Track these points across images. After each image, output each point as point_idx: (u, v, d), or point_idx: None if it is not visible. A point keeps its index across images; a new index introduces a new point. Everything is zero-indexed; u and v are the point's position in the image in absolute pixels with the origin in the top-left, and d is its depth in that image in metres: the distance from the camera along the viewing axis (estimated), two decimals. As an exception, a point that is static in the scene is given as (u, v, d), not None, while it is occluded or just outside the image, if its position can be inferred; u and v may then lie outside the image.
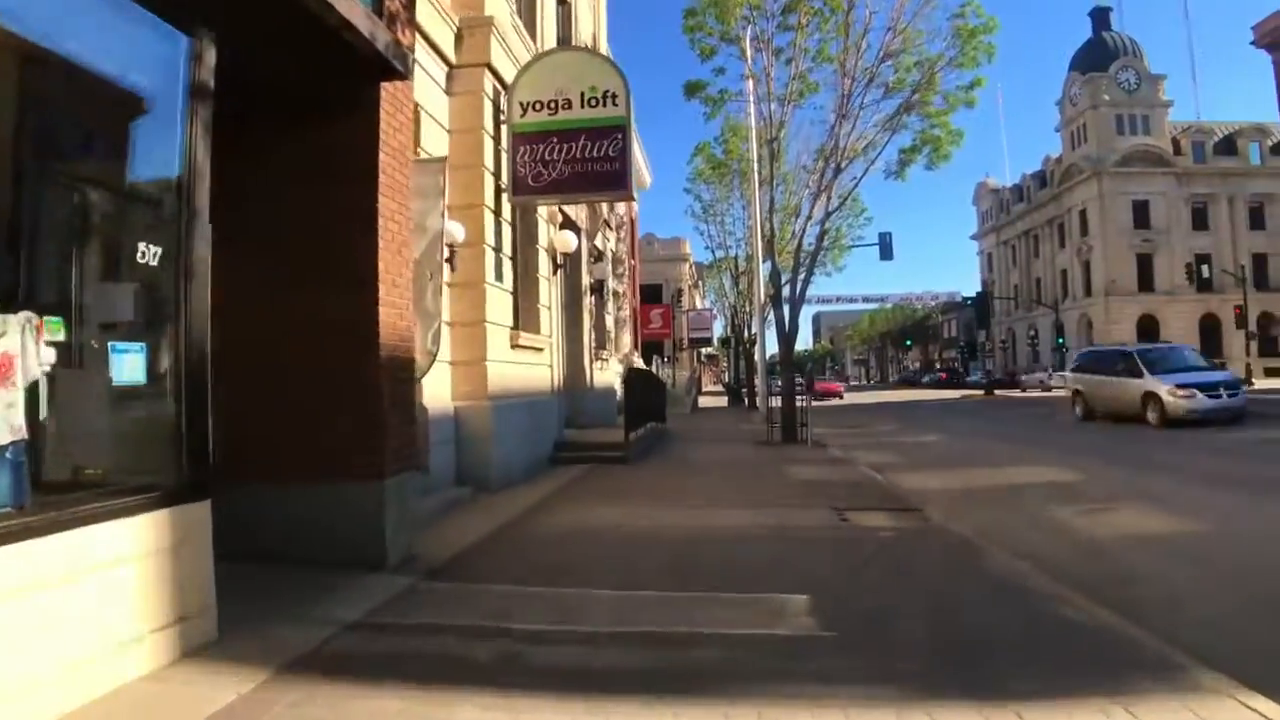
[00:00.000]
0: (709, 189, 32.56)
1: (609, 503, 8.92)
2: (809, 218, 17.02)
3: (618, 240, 28.84)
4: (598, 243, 18.19)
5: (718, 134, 29.35)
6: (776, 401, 17.33)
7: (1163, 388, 18.43)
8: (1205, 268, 57.11)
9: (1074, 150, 67.35)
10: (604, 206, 18.13)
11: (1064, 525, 7.98)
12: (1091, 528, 7.78)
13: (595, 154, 10.36)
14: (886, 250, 35.41)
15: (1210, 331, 62.46)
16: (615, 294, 29.54)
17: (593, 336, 17.31)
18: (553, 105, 10.51)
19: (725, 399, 41.02)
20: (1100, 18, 67.45)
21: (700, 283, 72.47)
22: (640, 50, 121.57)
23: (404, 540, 5.99)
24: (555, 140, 10.45)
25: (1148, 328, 62.19)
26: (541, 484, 10.38)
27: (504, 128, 10.64)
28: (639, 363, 32.68)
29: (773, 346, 21.65)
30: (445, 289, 8.90)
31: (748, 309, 33.71)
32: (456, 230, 9.33)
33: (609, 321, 19.50)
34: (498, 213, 10.51)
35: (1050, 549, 6.71)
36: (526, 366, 11.50)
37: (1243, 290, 47.60)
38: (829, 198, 16.71)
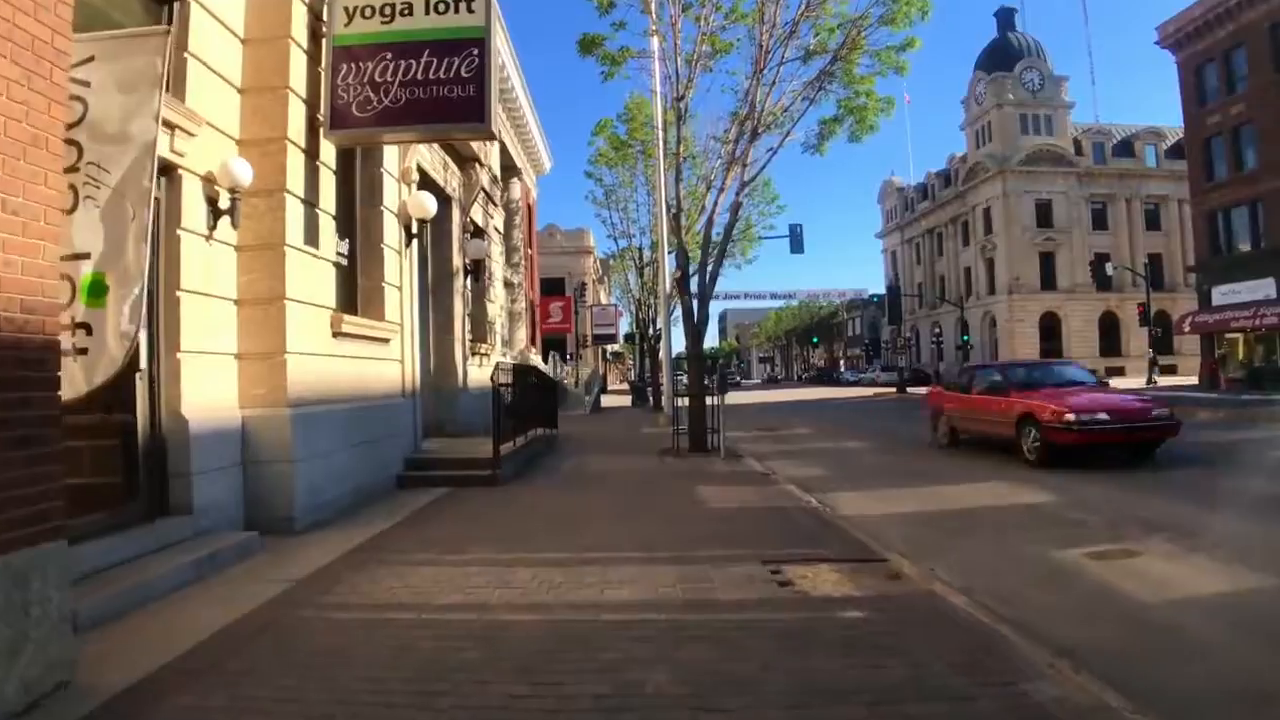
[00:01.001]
0: (611, 173, 30.11)
1: (448, 554, 6.32)
2: (721, 189, 14.74)
3: (509, 223, 26.16)
4: (477, 217, 15.50)
5: (621, 111, 27.03)
6: (682, 401, 14.97)
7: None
8: (1109, 265, 58.11)
9: (979, 149, 67.59)
10: (484, 176, 15.43)
11: (1084, 582, 5.79)
12: (1125, 584, 5.62)
13: (443, 75, 7.71)
14: (797, 243, 33.79)
15: (1109, 329, 63.78)
16: (510, 284, 26.88)
17: (468, 326, 14.64)
18: (388, 11, 7.83)
19: (630, 398, 38.67)
20: (1005, 18, 68.02)
21: (605, 278, 70.25)
22: (542, 23, 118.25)
23: (37, 671, 3.33)
24: (390, 57, 7.77)
25: (1050, 325, 63.10)
26: (371, 519, 7.72)
27: (324, 41, 7.91)
28: (536, 360, 30.10)
29: (680, 342, 19.40)
30: (210, 247, 6.20)
31: (653, 302, 31.37)
32: (240, 170, 6.61)
33: (492, 310, 16.81)
34: (312, 153, 7.78)
35: (1096, 632, 4.51)
36: (358, 362, 8.79)
37: (1146, 290, 47.98)
38: (744, 167, 14.45)
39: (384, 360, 9.64)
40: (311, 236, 7.65)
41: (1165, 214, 64.85)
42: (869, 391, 52.33)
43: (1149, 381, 44.10)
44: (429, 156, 12.25)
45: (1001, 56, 65.32)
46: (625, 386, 59.29)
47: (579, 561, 5.97)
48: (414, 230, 10.58)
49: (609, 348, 67.89)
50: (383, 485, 9.31)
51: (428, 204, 10.42)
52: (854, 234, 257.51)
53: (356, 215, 9.63)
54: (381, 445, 9.40)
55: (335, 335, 8.12)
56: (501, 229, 20.43)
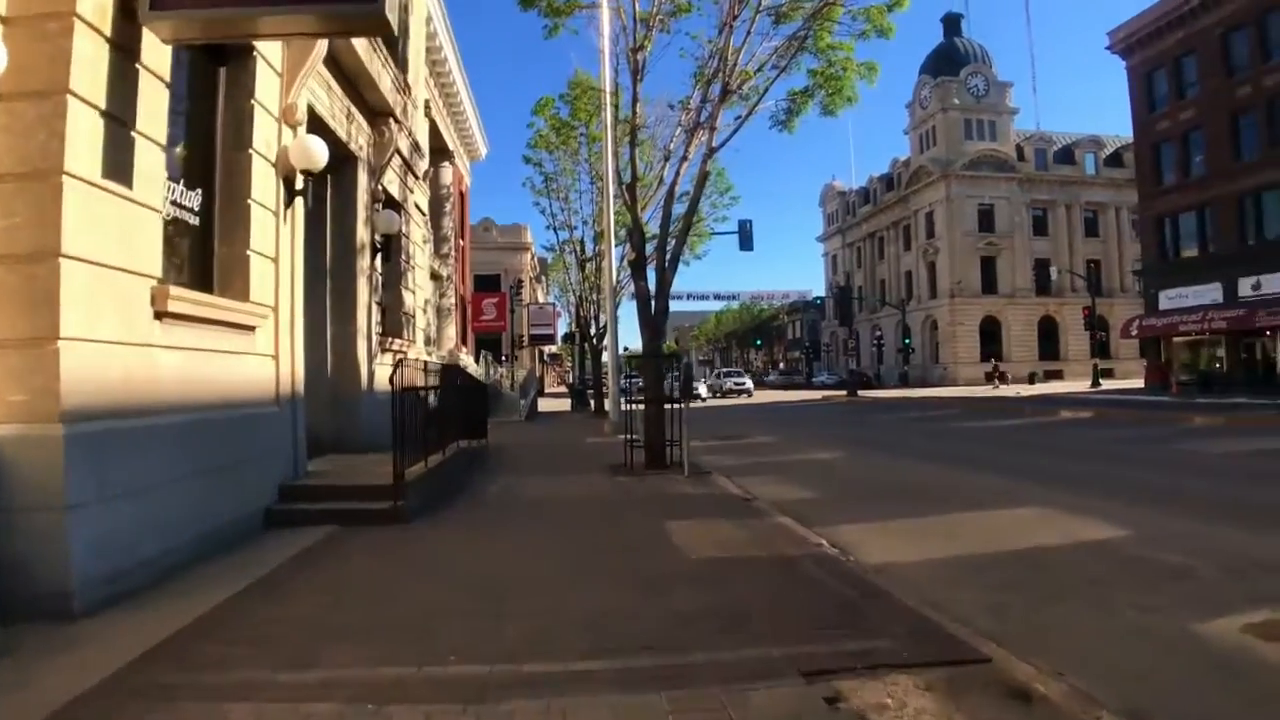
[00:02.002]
0: (552, 159, 27.68)
1: (288, 668, 3.92)
2: (684, 157, 12.51)
3: (439, 209, 23.60)
4: (392, 188, 13.03)
5: (564, 91, 24.66)
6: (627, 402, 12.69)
7: None
8: (1053, 270, 58.23)
9: (923, 153, 67.25)
10: (403, 140, 12.93)
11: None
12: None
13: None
14: (746, 239, 31.99)
15: (1048, 333, 63.98)
16: (438, 276, 24.31)
17: (377, 318, 12.18)
18: None
19: (569, 402, 36.29)
20: (951, 24, 68.14)
21: (544, 277, 67.68)
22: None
23: None
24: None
25: (990, 329, 62.98)
26: (209, 586, 5.29)
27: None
28: (467, 360, 27.51)
29: (628, 340, 17.09)
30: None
31: (595, 298, 29.01)
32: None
33: (411, 300, 14.33)
34: (124, 46, 5.30)
35: None
36: (203, 356, 6.31)
37: (1091, 295, 47.78)
38: (712, 131, 12.25)
39: (247, 355, 7.14)
40: (118, 169, 5.18)
41: (1104, 221, 65.63)
42: (819, 395, 50.87)
43: (1093, 384, 43.51)
44: (326, 100, 9.77)
45: (947, 61, 65.16)
46: (564, 389, 57.00)
47: (508, 685, 3.65)
48: (298, 186, 8.11)
49: (546, 349, 65.38)
50: (244, 525, 6.83)
51: (316, 151, 7.94)
52: (794, 237, 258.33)
53: (216, 160, 7.16)
54: (243, 471, 6.92)
55: (160, 317, 5.64)
56: (426, 210, 17.95)
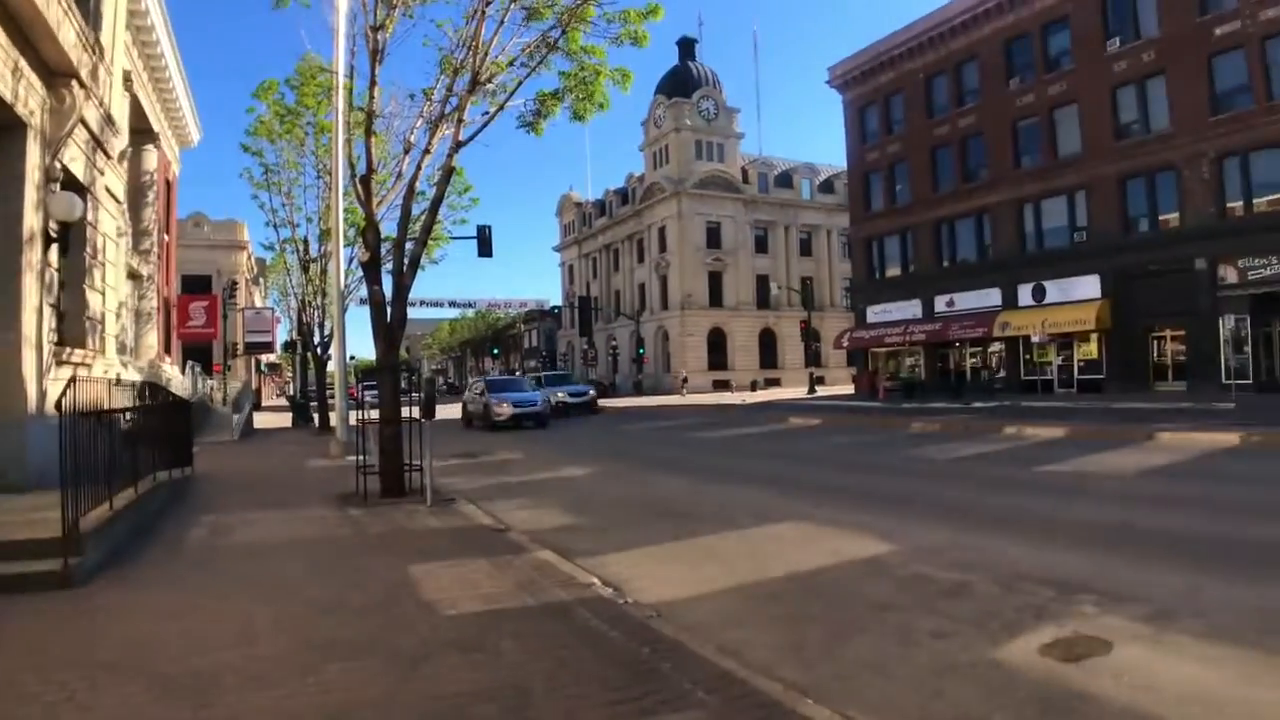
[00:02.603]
0: (274, 149, 24.98)
1: None
2: (426, 149, 11.31)
3: (140, 200, 20.47)
4: (75, 168, 10.74)
5: (290, 75, 22.31)
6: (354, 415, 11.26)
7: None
8: (773, 286, 62.42)
9: (656, 170, 69.48)
10: (91, 112, 10.67)
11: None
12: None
13: None
14: (485, 245, 31.13)
15: (768, 343, 68.44)
16: (138, 276, 21.09)
17: (53, 324, 9.96)
18: None
19: (291, 417, 33.11)
20: (686, 47, 70.87)
21: (262, 279, 62.29)
22: None
23: None
24: None
25: (717, 339, 66.35)
26: None
27: None
28: (171, 371, 24.18)
29: (358, 348, 15.48)
30: None
31: (320, 303, 26.60)
32: None
33: (98, 303, 11.98)
34: None
35: None
36: None
37: (808, 309, 51.35)
38: (459, 124, 11.18)
39: None
40: None
41: (817, 241, 71.38)
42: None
43: (810, 391, 46.82)
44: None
45: (681, 83, 67.85)
46: (284, 402, 52.61)
47: None
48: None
49: (264, 358, 60.12)
50: None
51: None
52: (532, 245, 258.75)
53: None
54: None
55: None
56: (123, 198, 15.34)
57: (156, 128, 21.94)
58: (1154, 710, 3.61)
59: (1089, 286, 31.79)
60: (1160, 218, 30.02)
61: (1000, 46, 35.39)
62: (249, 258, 53.80)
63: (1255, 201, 27.14)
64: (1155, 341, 31.32)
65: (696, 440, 20.14)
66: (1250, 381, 26.11)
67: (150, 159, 21.91)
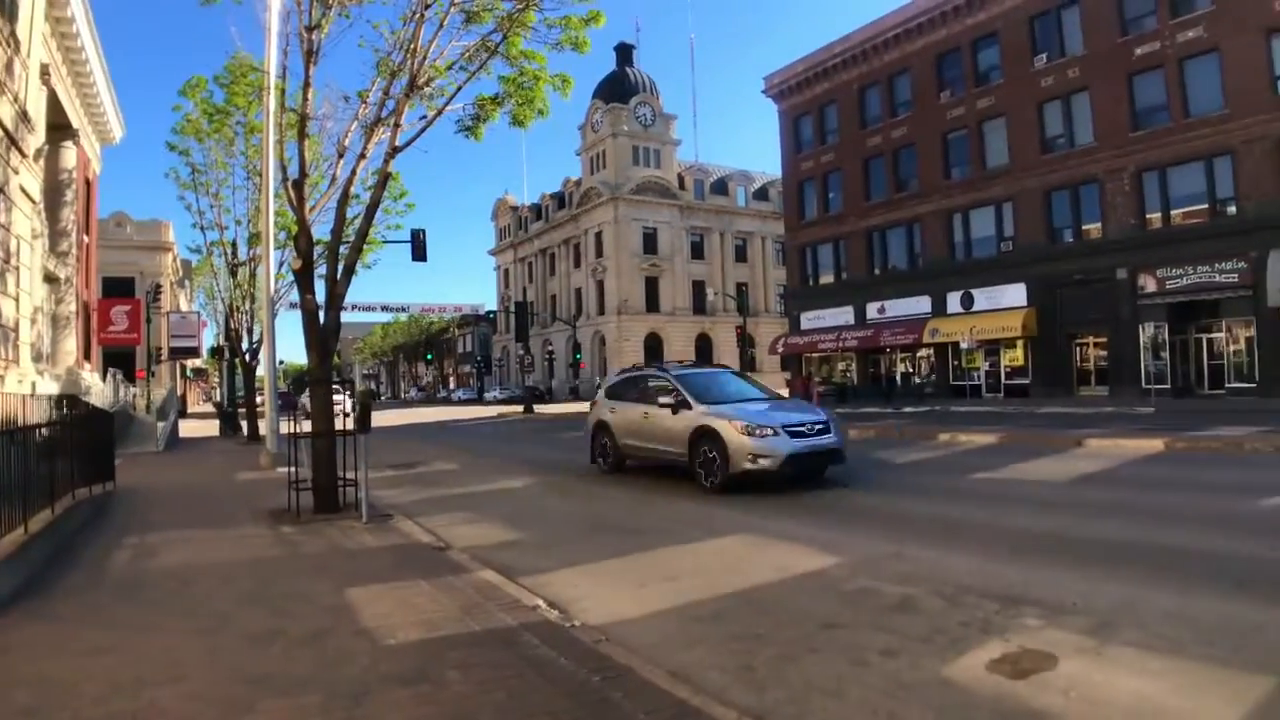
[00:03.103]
0: (202, 149, 24.17)
1: None
2: (362, 154, 11.00)
3: (58, 199, 19.62)
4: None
5: (219, 72, 21.58)
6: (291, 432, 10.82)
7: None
8: (709, 291, 63.02)
9: (593, 175, 69.56)
10: (3, 107, 10.14)
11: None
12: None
13: None
14: (420, 249, 30.76)
15: (704, 349, 68.96)
16: (55, 279, 20.19)
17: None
18: None
19: (218, 425, 32.06)
20: (624, 53, 71.21)
21: (188, 281, 60.42)
22: None
23: None
24: None
25: (653, 344, 66.61)
26: None
27: None
28: (91, 378, 23.21)
29: (289, 353, 15.03)
30: None
31: (249, 308, 25.84)
32: None
33: (10, 310, 11.39)
34: None
35: None
36: None
37: (744, 314, 51.55)
38: (396, 128, 10.91)
39: None
40: None
41: (752, 248, 72.27)
42: (493, 411, 50.04)
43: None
44: None
45: (619, 89, 68.11)
46: (211, 409, 51.09)
47: None
48: None
49: (189, 363, 58.31)
50: None
51: None
52: (466, 249, 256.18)
53: None
54: None
55: None
56: (39, 198, 14.66)
57: (76, 123, 21.07)
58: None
59: (1015, 294, 32.72)
60: (1084, 228, 31.11)
61: (932, 60, 36.26)
62: (174, 259, 52.16)
63: (1173, 214, 28.28)
64: (1079, 348, 32.37)
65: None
66: (1168, 386, 27.18)
67: (69, 156, 21.03)
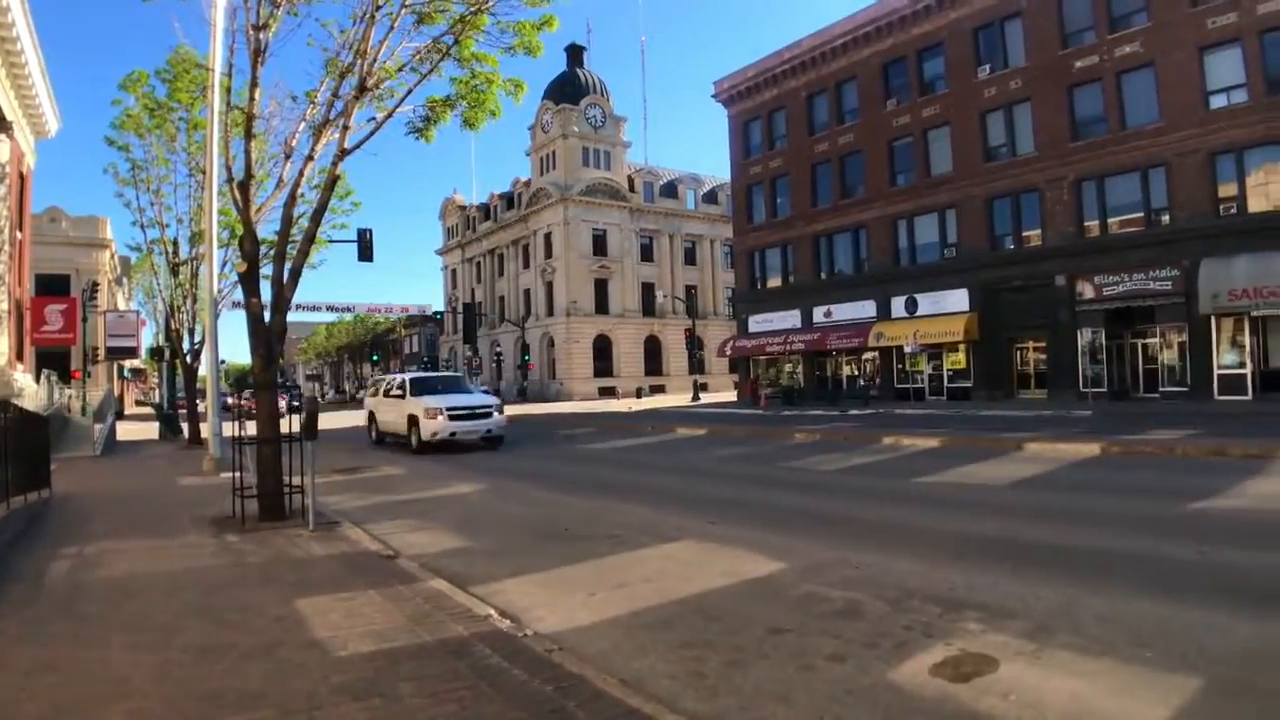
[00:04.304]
0: (143, 145, 23.45)
1: None
2: (310, 155, 10.85)
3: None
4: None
5: (162, 67, 21.02)
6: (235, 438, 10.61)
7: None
8: (658, 294, 63.28)
9: (543, 175, 69.29)
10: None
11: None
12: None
13: None
14: (366, 249, 30.41)
15: (653, 351, 69.16)
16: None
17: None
18: None
19: (158, 428, 31.17)
20: (575, 54, 71.07)
21: (126, 279, 58.79)
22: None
23: None
24: None
25: (602, 346, 66.60)
26: None
27: None
28: (24, 380, 22.50)
29: (230, 352, 14.68)
30: None
31: (191, 308, 25.24)
32: None
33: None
34: None
35: None
36: None
37: (692, 317, 52.10)
38: (345, 130, 10.79)
39: None
40: None
41: (701, 251, 72.68)
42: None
43: (694, 398, 47.45)
44: None
45: (570, 90, 67.94)
46: (149, 411, 49.79)
47: None
48: None
49: (127, 363, 56.76)
50: None
51: None
52: (414, 249, 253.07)
53: None
54: None
55: None
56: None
57: (10, 116, 20.45)
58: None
59: (958, 299, 33.44)
60: (1024, 235, 31.92)
61: (879, 69, 36.87)
62: (112, 256, 50.72)
63: (1110, 222, 29.17)
64: (1019, 352, 33.20)
65: (586, 453, 20.09)
66: (1105, 390, 28.06)
67: (1, 150, 20.39)
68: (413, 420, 20.62)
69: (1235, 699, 4.16)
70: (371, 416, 24.53)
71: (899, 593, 6.12)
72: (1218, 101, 26.38)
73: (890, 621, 5.47)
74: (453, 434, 19.93)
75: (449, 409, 20.03)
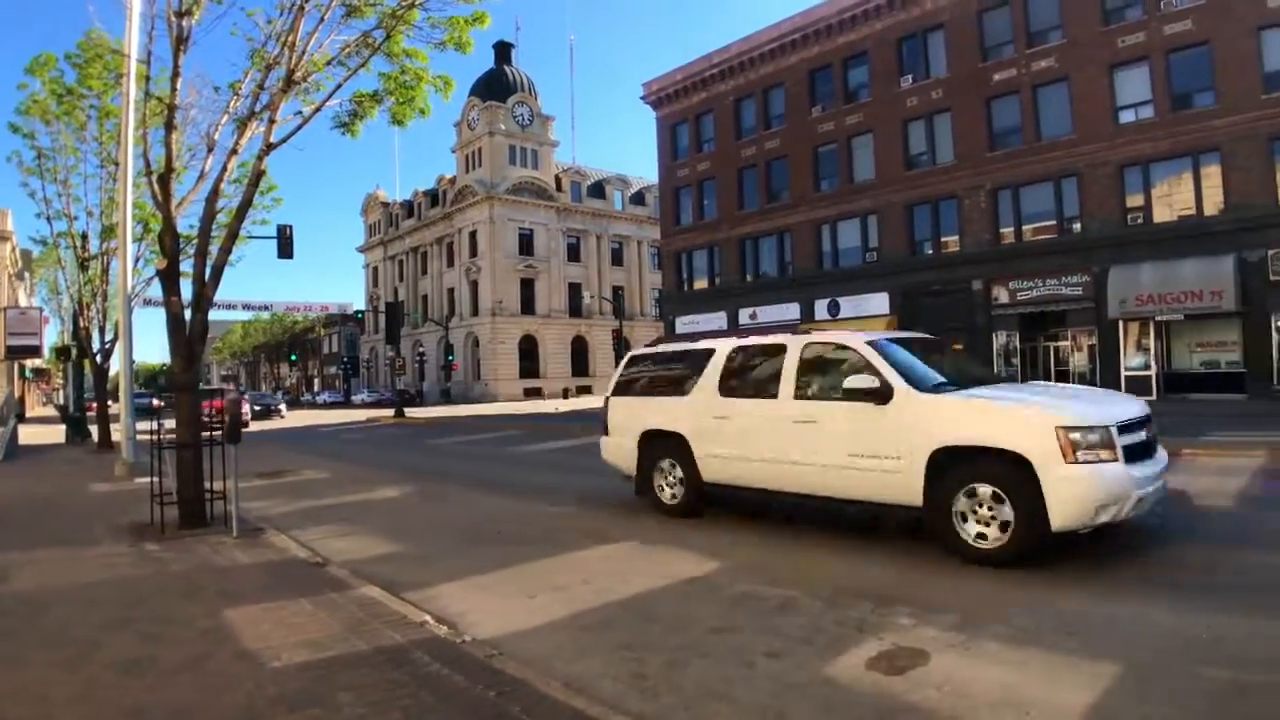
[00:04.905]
0: (49, 132, 22.31)
1: None
2: (234, 149, 10.50)
3: None
4: None
5: (72, 51, 20.03)
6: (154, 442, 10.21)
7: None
8: (585, 294, 63.27)
9: (469, 173, 68.61)
10: None
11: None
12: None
13: None
14: (286, 246, 29.80)
15: (579, 352, 69.18)
16: None
17: None
18: None
19: (65, 431, 29.75)
20: (502, 51, 70.67)
21: (28, 273, 56.04)
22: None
23: None
24: None
25: (528, 347, 66.36)
26: None
27: None
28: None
29: (149, 353, 14.09)
30: None
31: (102, 305, 24.18)
32: None
33: None
34: None
35: None
36: None
37: (620, 318, 52.26)
38: (272, 124, 10.48)
39: None
40: None
41: (628, 252, 72.99)
42: (362, 415, 48.53)
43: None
44: None
45: (497, 87, 67.49)
46: (54, 412, 47.63)
47: None
48: None
49: (29, 363, 54.12)
50: None
51: None
52: (334, 246, 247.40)
53: None
54: None
55: None
56: None
57: (-100, 102, 19.32)
58: (973, 717, 3.94)
59: (879, 303, 34.27)
60: (942, 241, 32.87)
61: (805, 76, 37.50)
62: (13, 250, 48.33)
63: (1024, 229, 30.32)
64: (937, 355, 34.13)
65: (516, 456, 19.89)
66: (1018, 392, 29.04)
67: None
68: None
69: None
70: (643, 441, 10.26)
71: (833, 590, 6.23)
72: (1126, 116, 27.70)
73: (824, 618, 5.58)
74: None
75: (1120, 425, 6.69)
